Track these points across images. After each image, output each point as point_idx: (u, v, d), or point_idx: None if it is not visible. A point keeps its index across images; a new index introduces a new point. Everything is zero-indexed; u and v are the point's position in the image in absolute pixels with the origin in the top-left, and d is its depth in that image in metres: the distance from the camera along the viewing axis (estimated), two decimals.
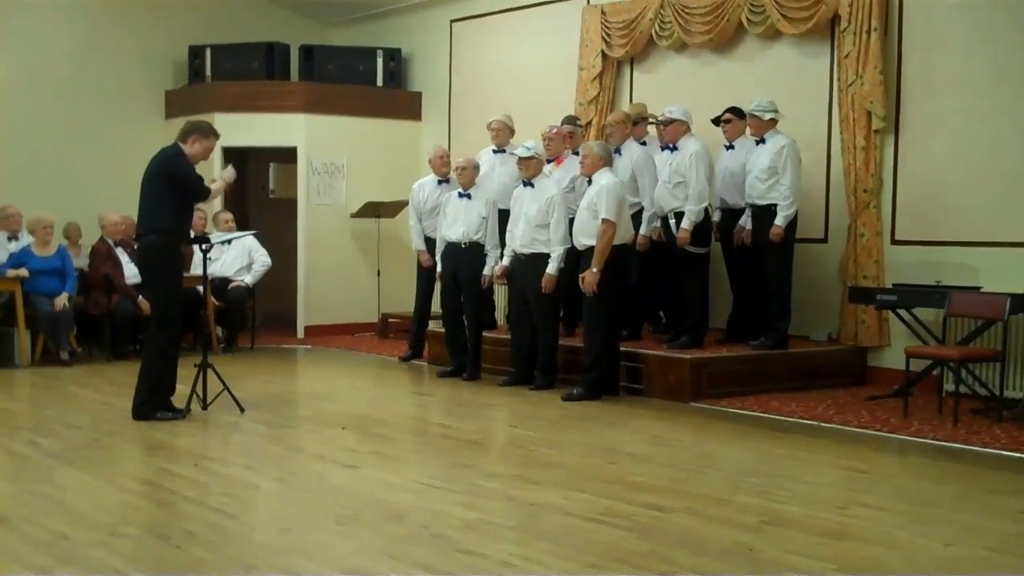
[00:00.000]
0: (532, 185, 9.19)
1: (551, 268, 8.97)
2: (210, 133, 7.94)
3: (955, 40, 9.02)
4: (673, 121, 9.23)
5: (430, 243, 10.66)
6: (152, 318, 7.97)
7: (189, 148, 7.84)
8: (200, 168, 8.04)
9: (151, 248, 7.82)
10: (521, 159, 9.24)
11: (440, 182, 10.81)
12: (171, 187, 7.73)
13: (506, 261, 9.41)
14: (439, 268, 9.98)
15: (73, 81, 13.15)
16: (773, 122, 9.08)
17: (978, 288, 8.44)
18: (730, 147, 9.54)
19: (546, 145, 9.85)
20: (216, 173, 12.77)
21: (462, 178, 9.79)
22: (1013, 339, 8.10)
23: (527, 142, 9.44)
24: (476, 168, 9.87)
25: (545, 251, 9.01)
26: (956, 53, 9.01)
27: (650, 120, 9.98)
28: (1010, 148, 8.69)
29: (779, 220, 8.88)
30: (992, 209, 8.79)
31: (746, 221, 9.28)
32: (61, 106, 13.05)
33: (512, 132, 10.34)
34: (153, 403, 7.76)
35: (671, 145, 9.23)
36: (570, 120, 10.23)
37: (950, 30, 9.05)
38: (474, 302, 9.75)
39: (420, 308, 11.15)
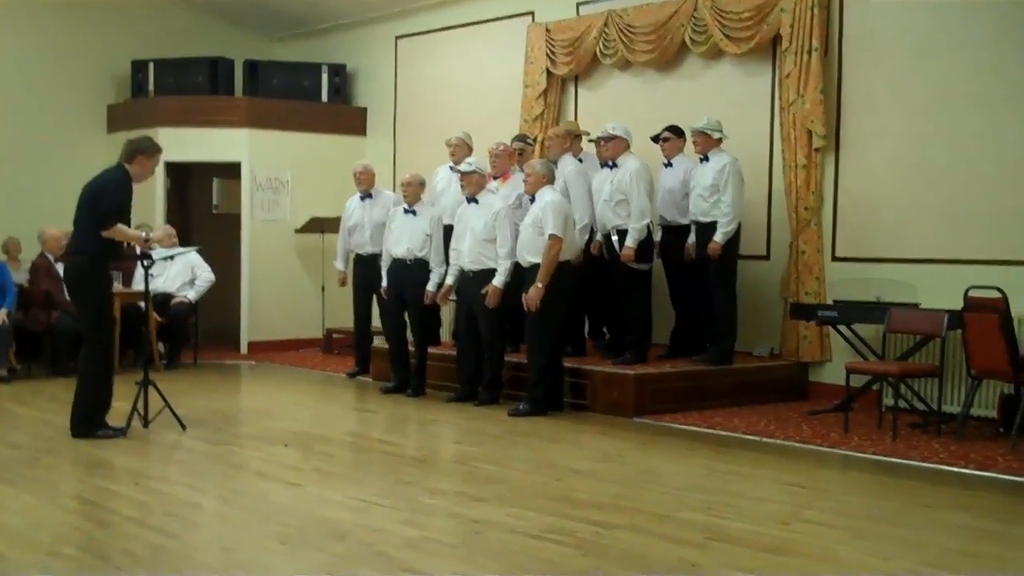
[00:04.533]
0: (476, 201, 9.21)
1: (496, 281, 8.97)
2: (155, 151, 7.90)
3: (894, 60, 9.16)
4: (614, 138, 9.29)
5: (359, 260, 10.88)
6: (84, 338, 7.86)
7: (136, 168, 7.77)
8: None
9: (75, 269, 7.79)
10: (463, 174, 9.26)
11: (362, 198, 10.85)
12: (95, 210, 7.62)
13: (451, 279, 9.41)
14: (384, 283, 9.96)
15: (14, 95, 13.00)
16: (719, 141, 9.17)
17: (916, 305, 8.56)
18: (668, 165, 9.61)
19: (493, 162, 9.86)
20: (159, 185, 12.76)
21: (407, 195, 9.79)
22: (950, 355, 8.21)
23: (468, 158, 9.47)
24: (422, 184, 9.88)
25: (492, 266, 9.02)
26: (895, 73, 9.14)
27: (585, 135, 10.02)
28: (947, 167, 8.83)
29: (718, 236, 8.95)
30: (930, 227, 8.93)
31: (692, 236, 9.34)
32: (1, 120, 12.89)
33: (470, 149, 10.35)
34: (93, 421, 7.67)
35: (611, 162, 9.29)
36: (520, 139, 10.27)
37: (889, 51, 9.19)
38: (419, 318, 9.73)
39: (359, 324, 11.16)
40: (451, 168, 10.35)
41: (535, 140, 11.23)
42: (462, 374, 9.43)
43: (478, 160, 9.45)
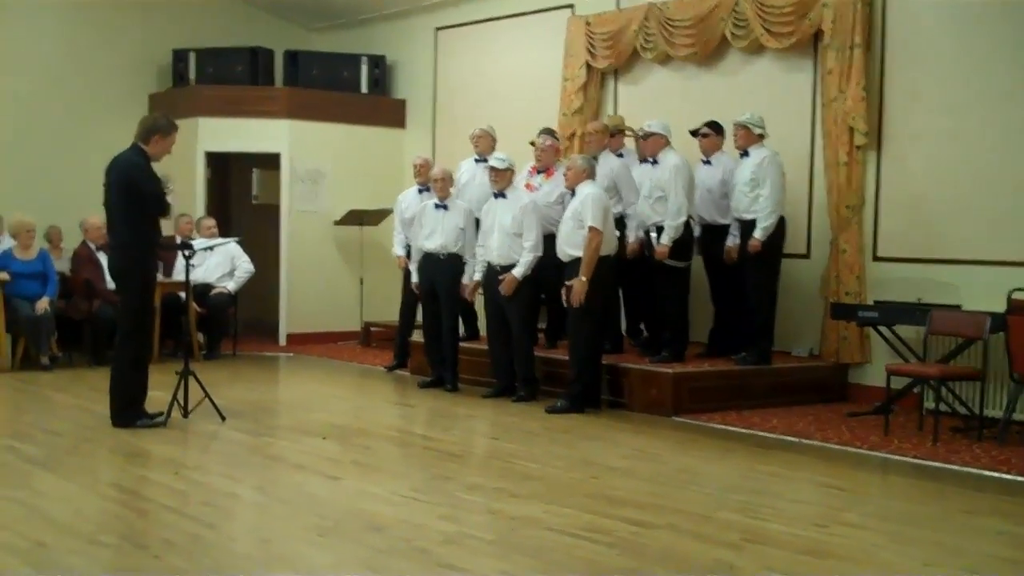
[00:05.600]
0: (505, 196, 9.20)
1: (516, 271, 8.99)
2: (171, 129, 7.83)
3: (937, 58, 9.06)
4: (652, 135, 9.26)
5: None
6: (122, 327, 7.86)
7: (152, 148, 7.74)
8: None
9: (119, 261, 7.82)
10: (495, 170, 9.25)
11: (420, 190, 10.83)
12: (134, 200, 7.63)
13: (478, 275, 9.42)
14: (414, 278, 9.98)
15: (56, 84, 13.10)
16: (760, 137, 9.11)
17: (959, 306, 8.48)
18: (707, 162, 9.55)
19: (538, 156, 9.82)
20: (199, 176, 12.84)
21: (439, 189, 9.76)
22: (993, 358, 8.11)
23: (499, 153, 9.45)
24: (452, 179, 9.86)
25: None
26: (938, 70, 9.05)
27: (627, 132, 10.02)
28: (991, 166, 8.74)
29: (757, 233, 8.89)
30: (973, 227, 8.83)
31: (733, 237, 9.29)
32: (44, 109, 12.99)
33: (494, 141, 10.35)
34: (132, 410, 7.72)
35: (651, 159, 9.26)
36: (548, 132, 10.25)
37: (932, 47, 9.09)
38: (452, 313, 9.74)
39: (404, 317, 11.14)
40: (475, 160, 10.35)
41: (573, 134, 11.24)
42: (496, 369, 9.43)
43: (509, 155, 9.41)
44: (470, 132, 10.58)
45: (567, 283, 8.62)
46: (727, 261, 9.35)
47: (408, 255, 10.50)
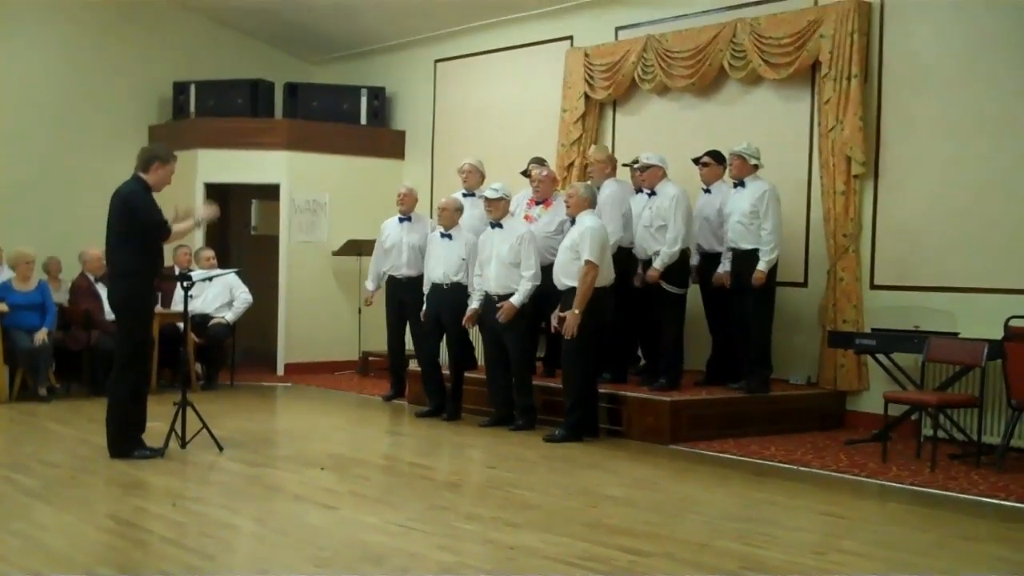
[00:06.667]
0: (501, 226, 9.23)
1: (514, 299, 9.01)
2: (170, 158, 7.86)
3: (934, 87, 9.12)
4: (651, 167, 9.32)
5: (393, 282, 10.83)
6: (120, 357, 7.82)
7: (153, 177, 7.75)
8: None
9: (119, 291, 7.80)
10: (489, 200, 9.28)
11: (401, 220, 10.86)
12: (134, 228, 7.64)
13: (476, 304, 9.42)
14: (424, 307, 9.98)
15: (57, 115, 13.16)
16: (755, 168, 9.15)
17: (956, 334, 8.49)
18: (707, 191, 9.60)
19: (536, 187, 9.85)
20: (198, 207, 12.85)
21: (443, 219, 9.80)
22: (990, 385, 8.13)
23: (494, 184, 9.48)
24: (458, 209, 9.88)
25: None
26: (935, 100, 9.10)
27: (622, 164, 10.08)
28: (987, 194, 8.78)
29: (761, 265, 8.92)
30: (970, 255, 8.86)
31: (725, 264, 9.32)
32: (44, 140, 13.05)
33: (483, 176, 10.41)
34: (130, 441, 7.71)
35: (650, 190, 9.30)
36: (538, 161, 10.29)
37: (929, 77, 9.15)
38: (456, 342, 9.74)
39: (394, 347, 11.16)
40: (464, 194, 10.37)
41: (572, 164, 11.28)
42: (494, 398, 9.43)
43: (504, 186, 9.44)
44: (459, 166, 10.63)
45: (559, 313, 8.68)
46: (714, 283, 9.38)
47: (412, 286, 10.54)
